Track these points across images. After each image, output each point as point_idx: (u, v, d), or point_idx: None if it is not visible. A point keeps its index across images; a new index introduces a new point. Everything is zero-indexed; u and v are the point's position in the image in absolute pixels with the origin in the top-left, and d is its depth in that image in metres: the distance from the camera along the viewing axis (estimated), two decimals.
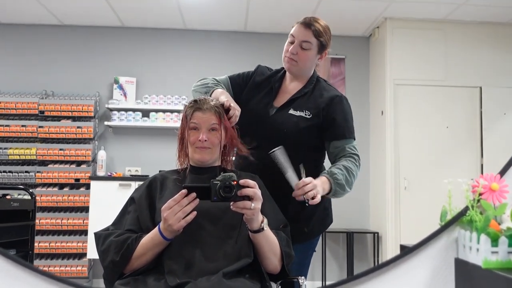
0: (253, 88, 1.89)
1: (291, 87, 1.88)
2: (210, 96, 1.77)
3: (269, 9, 4.41)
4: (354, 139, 1.83)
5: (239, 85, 1.91)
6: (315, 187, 1.56)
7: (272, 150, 1.62)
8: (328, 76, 5.04)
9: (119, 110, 4.72)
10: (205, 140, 1.55)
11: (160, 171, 1.70)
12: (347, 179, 1.70)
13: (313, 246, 1.93)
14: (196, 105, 1.60)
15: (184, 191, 1.33)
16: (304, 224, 1.83)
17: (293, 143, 1.74)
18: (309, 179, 1.57)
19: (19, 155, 4.51)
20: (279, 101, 1.85)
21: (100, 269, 4.44)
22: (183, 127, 1.61)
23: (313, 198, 1.54)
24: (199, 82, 1.89)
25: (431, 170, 4.42)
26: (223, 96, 1.70)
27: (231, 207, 1.33)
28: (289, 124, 1.77)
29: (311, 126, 1.79)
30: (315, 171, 1.75)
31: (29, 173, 4.52)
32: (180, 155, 1.64)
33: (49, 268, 4.34)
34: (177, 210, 1.33)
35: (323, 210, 1.91)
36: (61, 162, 4.59)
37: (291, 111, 1.80)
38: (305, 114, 1.79)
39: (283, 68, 1.92)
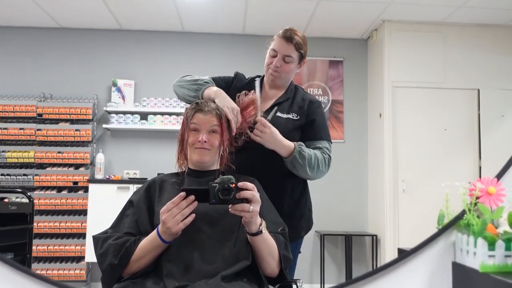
0: (234, 93, 1.91)
1: (271, 93, 1.97)
2: (203, 93, 1.80)
3: (267, 12, 4.42)
4: (329, 141, 1.94)
5: (223, 88, 1.94)
6: (265, 134, 1.70)
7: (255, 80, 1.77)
8: (327, 78, 5.05)
9: (117, 113, 4.71)
10: (205, 141, 1.55)
11: (158, 174, 1.70)
12: (311, 158, 1.78)
13: (299, 246, 1.99)
14: (197, 107, 1.61)
15: (182, 193, 1.33)
16: (296, 222, 1.91)
17: None
18: (269, 125, 1.72)
19: (17, 158, 4.51)
20: (263, 106, 1.90)
21: (98, 272, 4.45)
22: (183, 129, 1.62)
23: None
24: (185, 78, 1.90)
25: (430, 173, 4.43)
26: (218, 99, 1.73)
27: (230, 209, 1.33)
28: (279, 125, 1.82)
29: (298, 127, 1.89)
30: None
31: (27, 176, 4.51)
32: (180, 157, 1.64)
33: (47, 272, 4.33)
34: (176, 213, 1.32)
35: (308, 211, 2.00)
36: (59, 165, 4.59)
37: (279, 114, 1.89)
38: (293, 116, 1.90)
39: (258, 76, 1.98)
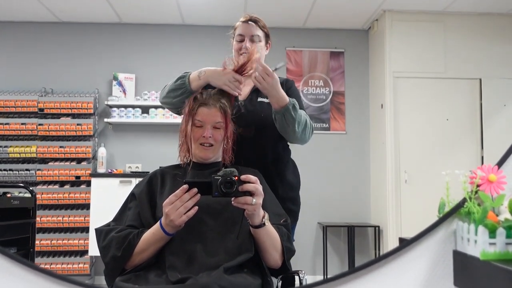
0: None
1: (246, 80, 1.91)
2: (189, 80, 1.77)
3: (267, 4, 4.41)
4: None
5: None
6: (270, 80, 1.67)
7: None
8: (328, 70, 5.04)
9: (118, 106, 4.71)
10: (210, 137, 1.55)
11: (160, 167, 1.70)
12: (301, 115, 1.78)
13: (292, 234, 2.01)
14: (201, 100, 1.60)
15: (185, 186, 1.33)
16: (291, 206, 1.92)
17: (270, 126, 1.81)
18: (273, 75, 1.69)
19: (19, 153, 4.52)
20: (242, 94, 1.90)
21: (101, 266, 4.47)
22: (187, 122, 1.60)
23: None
24: (166, 88, 1.88)
25: (432, 163, 4.42)
26: (211, 79, 1.75)
27: (232, 202, 1.33)
28: (264, 110, 1.84)
29: None
30: (285, 152, 1.95)
31: (29, 171, 4.52)
32: (182, 150, 1.64)
33: (51, 266, 4.35)
34: (179, 206, 1.33)
35: (298, 194, 2.01)
36: (61, 159, 4.59)
37: (260, 99, 1.89)
38: None
39: None
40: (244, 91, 1.90)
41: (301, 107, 1.91)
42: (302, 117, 1.78)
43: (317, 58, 5.05)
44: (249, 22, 1.94)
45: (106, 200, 4.15)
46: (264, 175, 1.67)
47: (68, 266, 4.38)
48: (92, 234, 4.23)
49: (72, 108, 4.62)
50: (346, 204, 4.87)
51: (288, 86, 1.97)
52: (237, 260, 1.37)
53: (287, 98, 1.74)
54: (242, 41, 1.93)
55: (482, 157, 4.50)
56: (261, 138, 1.83)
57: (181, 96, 1.77)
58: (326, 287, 1.13)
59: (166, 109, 4.57)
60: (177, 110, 1.86)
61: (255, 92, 1.90)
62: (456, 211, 1.11)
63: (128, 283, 1.33)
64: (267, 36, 1.99)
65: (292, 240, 1.94)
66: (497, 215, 1.06)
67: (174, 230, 1.37)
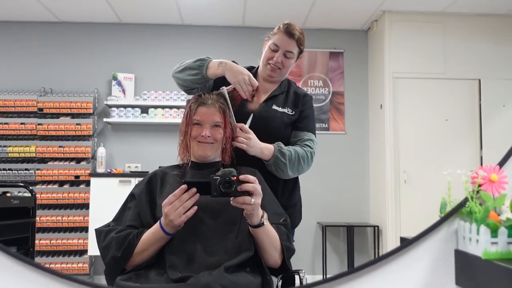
0: (219, 84, 1.89)
1: (266, 87, 1.96)
2: (207, 67, 1.79)
3: (267, 4, 4.41)
4: (314, 135, 1.96)
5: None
6: (249, 140, 1.69)
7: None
8: (327, 70, 5.04)
9: (118, 106, 4.71)
10: (208, 136, 1.55)
11: (159, 167, 1.70)
12: (291, 154, 1.78)
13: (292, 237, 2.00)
14: (200, 100, 1.61)
15: (184, 186, 1.33)
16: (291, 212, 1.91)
17: (279, 136, 1.83)
18: (250, 131, 1.71)
19: (18, 152, 4.52)
20: (258, 99, 1.91)
21: (101, 266, 4.46)
22: (186, 122, 1.61)
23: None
24: (183, 62, 1.89)
25: (431, 163, 4.42)
26: (227, 74, 1.77)
27: (231, 202, 1.33)
28: (276, 119, 1.85)
29: (292, 122, 1.91)
30: None
31: (29, 170, 4.52)
32: (181, 149, 1.64)
33: (50, 265, 4.34)
34: (178, 206, 1.33)
35: (299, 201, 2.01)
36: (60, 159, 4.59)
37: (275, 107, 1.89)
38: (288, 111, 1.90)
39: (253, 67, 2.00)
40: (260, 97, 1.91)
41: (313, 127, 1.93)
42: (292, 155, 1.79)
43: (316, 59, 5.05)
44: (289, 37, 1.86)
45: (106, 200, 4.15)
46: (266, 178, 1.67)
47: (68, 265, 4.38)
48: (91, 234, 4.23)
49: (72, 108, 4.62)
50: (345, 204, 4.87)
51: (305, 101, 1.96)
52: (237, 259, 1.37)
53: (271, 147, 1.76)
54: (275, 51, 1.88)
55: (481, 158, 4.50)
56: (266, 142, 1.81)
57: (195, 77, 1.81)
58: (327, 286, 1.13)
59: (166, 109, 4.65)
60: (185, 88, 1.89)
61: (271, 99, 1.91)
62: (457, 210, 1.11)
63: (129, 282, 1.33)
64: (300, 52, 1.94)
65: (292, 240, 1.94)
66: (498, 215, 1.06)
67: (174, 230, 1.38)
